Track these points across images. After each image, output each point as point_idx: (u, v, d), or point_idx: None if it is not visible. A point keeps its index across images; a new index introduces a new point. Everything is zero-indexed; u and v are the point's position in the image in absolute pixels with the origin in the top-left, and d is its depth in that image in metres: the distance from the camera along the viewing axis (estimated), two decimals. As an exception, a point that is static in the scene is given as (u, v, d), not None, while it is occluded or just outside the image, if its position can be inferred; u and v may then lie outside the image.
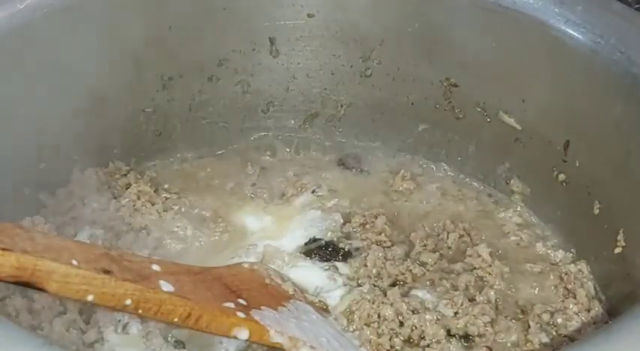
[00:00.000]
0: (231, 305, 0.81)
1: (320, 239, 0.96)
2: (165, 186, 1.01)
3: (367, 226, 0.97)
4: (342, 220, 0.98)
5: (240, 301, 0.82)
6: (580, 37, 0.89)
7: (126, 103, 1.01)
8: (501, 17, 0.94)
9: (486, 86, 0.99)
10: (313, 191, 1.02)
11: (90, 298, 0.73)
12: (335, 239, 0.96)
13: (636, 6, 1.03)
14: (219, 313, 0.79)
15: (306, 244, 0.96)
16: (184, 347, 0.83)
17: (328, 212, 1.00)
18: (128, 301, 0.74)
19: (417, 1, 0.99)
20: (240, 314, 0.80)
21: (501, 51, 0.96)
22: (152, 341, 0.82)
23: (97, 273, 0.73)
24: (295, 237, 0.97)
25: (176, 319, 0.77)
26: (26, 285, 0.72)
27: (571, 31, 0.90)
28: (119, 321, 0.83)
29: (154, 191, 0.99)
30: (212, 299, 0.81)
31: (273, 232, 0.98)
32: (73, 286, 0.73)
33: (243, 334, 0.79)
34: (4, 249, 0.69)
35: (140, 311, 0.76)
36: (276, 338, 0.80)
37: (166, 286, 0.77)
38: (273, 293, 0.87)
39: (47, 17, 0.90)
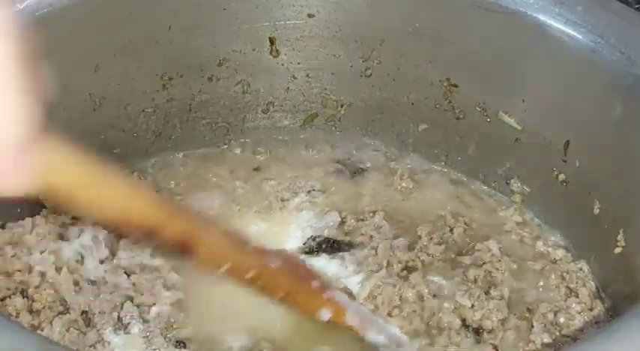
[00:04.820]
0: (317, 285, 0.82)
1: (319, 236, 0.96)
2: (166, 186, 1.01)
3: (366, 222, 0.97)
4: (339, 219, 0.98)
5: (316, 282, 0.83)
6: (580, 37, 0.89)
7: (126, 103, 1.01)
8: (501, 17, 0.94)
9: (486, 86, 0.99)
10: (310, 192, 1.02)
11: (223, 268, 0.75)
12: (334, 236, 0.96)
13: (636, 6, 1.03)
14: (312, 293, 0.81)
15: (305, 243, 0.96)
16: (185, 347, 0.83)
17: (327, 212, 0.99)
18: (249, 275, 0.77)
19: (417, 1, 0.99)
20: (324, 295, 0.81)
21: (501, 51, 0.96)
22: (153, 341, 0.82)
23: (239, 245, 0.76)
24: (295, 237, 0.97)
25: (280, 294, 0.79)
26: (179, 249, 0.73)
27: (571, 31, 0.90)
28: (118, 320, 0.83)
29: (156, 192, 0.99)
30: (301, 279, 0.82)
31: (273, 233, 0.97)
32: (216, 255, 0.75)
33: (326, 314, 0.80)
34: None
35: (254, 284, 0.78)
36: (351, 320, 0.81)
37: (274, 263, 0.79)
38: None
39: (47, 17, 0.90)
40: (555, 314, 0.87)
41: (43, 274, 0.86)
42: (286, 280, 0.80)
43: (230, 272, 0.76)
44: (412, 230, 0.97)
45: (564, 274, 0.91)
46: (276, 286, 0.80)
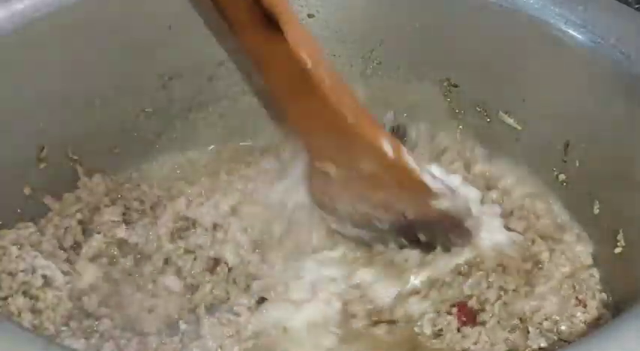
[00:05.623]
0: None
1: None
2: (166, 186, 1.01)
3: None
4: None
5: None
6: (580, 37, 0.89)
7: (126, 103, 1.01)
8: (501, 17, 0.94)
9: (486, 86, 0.99)
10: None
11: None
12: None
13: (636, 6, 1.03)
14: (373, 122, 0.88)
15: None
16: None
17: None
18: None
19: (417, 1, 0.99)
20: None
21: (501, 51, 0.96)
22: None
23: None
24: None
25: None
26: None
27: (571, 31, 0.90)
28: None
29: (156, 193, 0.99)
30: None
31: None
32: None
33: (388, 146, 0.86)
34: None
35: None
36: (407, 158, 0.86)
37: None
38: None
39: (47, 17, 0.90)
40: (556, 323, 0.85)
41: (46, 276, 0.86)
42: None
43: None
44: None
45: (575, 284, 0.91)
46: None
